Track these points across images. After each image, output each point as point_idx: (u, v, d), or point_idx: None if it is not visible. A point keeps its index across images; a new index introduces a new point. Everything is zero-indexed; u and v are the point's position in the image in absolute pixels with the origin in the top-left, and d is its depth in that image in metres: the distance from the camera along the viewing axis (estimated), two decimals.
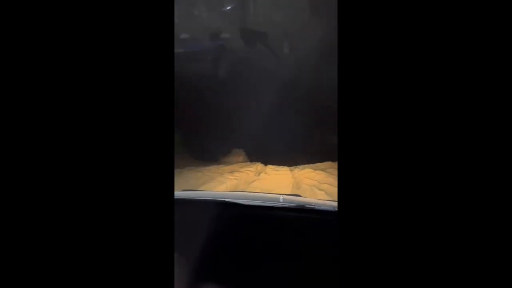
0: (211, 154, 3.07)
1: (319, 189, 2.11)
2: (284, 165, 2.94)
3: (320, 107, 2.47)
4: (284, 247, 0.82)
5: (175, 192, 0.90)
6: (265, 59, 2.84)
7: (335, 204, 0.85)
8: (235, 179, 2.45)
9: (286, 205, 0.88)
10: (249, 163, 3.07)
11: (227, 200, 0.90)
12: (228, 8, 2.74)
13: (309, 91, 2.68)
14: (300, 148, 2.88)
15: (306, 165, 2.86)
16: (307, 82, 2.69)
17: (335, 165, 2.70)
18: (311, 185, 2.24)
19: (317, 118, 2.65)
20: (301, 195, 1.01)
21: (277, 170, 2.82)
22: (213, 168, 2.89)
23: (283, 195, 0.92)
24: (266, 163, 3.02)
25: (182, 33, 2.93)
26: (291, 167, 2.90)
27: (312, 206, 0.87)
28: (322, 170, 2.62)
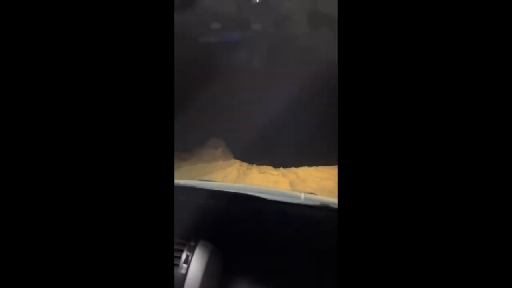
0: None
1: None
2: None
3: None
4: (310, 244, 0.84)
5: (192, 180, 0.94)
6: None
7: None
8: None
9: (310, 203, 0.88)
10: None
11: (249, 193, 0.90)
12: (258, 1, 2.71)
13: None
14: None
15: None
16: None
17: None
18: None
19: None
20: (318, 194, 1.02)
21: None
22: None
23: (304, 193, 0.92)
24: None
25: (213, 23, 2.94)
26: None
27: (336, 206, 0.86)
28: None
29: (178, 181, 0.91)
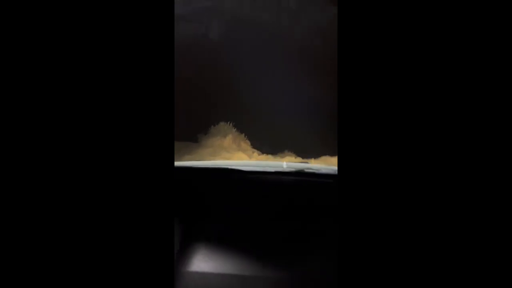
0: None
1: None
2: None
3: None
4: (286, 208, 0.88)
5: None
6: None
7: (335, 168, 0.86)
8: None
9: (287, 170, 0.93)
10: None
11: (230, 167, 0.95)
12: None
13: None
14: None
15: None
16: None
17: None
18: None
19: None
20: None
21: None
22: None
23: (288, 162, 0.96)
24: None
25: None
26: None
27: (313, 170, 0.90)
28: None
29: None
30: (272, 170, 0.93)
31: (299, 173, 0.91)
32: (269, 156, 2.57)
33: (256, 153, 2.58)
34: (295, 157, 2.54)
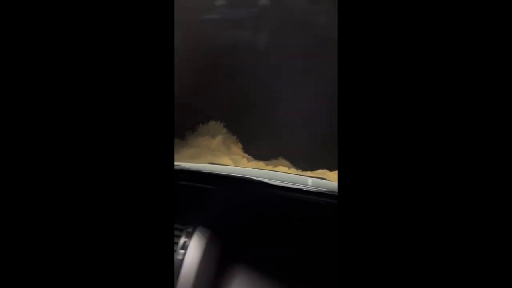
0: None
1: None
2: None
3: None
4: (313, 232, 0.81)
5: (193, 164, 0.94)
6: None
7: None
8: None
9: (317, 189, 0.86)
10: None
11: (254, 178, 0.90)
12: None
13: None
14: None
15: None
16: None
17: None
18: None
19: None
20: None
21: None
22: None
23: (311, 178, 0.91)
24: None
25: None
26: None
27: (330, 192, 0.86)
28: None
29: (179, 164, 0.91)
30: (297, 186, 0.86)
31: (331, 195, 0.83)
32: (261, 163, 2.31)
33: (246, 159, 2.32)
34: (289, 168, 2.28)
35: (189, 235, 0.76)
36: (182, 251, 0.73)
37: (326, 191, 0.84)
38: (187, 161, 2.12)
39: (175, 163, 0.95)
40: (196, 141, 2.41)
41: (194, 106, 2.38)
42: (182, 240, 0.74)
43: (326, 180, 0.93)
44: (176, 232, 0.76)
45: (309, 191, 0.86)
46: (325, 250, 0.74)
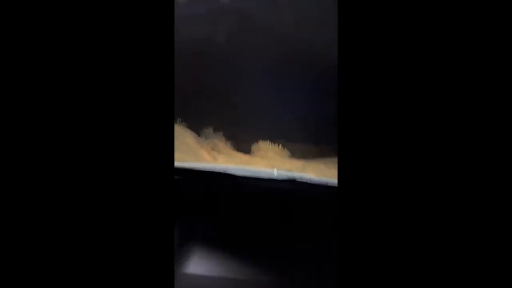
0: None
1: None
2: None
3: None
4: (277, 216, 0.87)
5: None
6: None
7: (329, 179, 0.83)
8: None
9: (279, 177, 0.89)
10: None
11: (226, 172, 0.91)
12: None
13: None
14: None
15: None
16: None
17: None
18: None
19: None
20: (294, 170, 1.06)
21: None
22: None
23: (277, 169, 0.93)
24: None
25: None
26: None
27: (305, 180, 0.86)
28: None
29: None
30: (264, 176, 0.90)
31: (292, 181, 0.87)
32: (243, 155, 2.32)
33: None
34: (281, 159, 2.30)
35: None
36: None
37: (286, 178, 0.88)
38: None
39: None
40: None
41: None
42: None
43: (293, 172, 0.94)
44: None
45: (273, 179, 0.89)
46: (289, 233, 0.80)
